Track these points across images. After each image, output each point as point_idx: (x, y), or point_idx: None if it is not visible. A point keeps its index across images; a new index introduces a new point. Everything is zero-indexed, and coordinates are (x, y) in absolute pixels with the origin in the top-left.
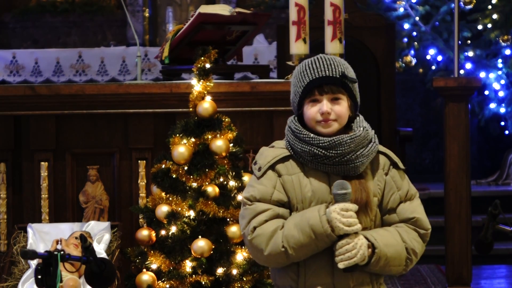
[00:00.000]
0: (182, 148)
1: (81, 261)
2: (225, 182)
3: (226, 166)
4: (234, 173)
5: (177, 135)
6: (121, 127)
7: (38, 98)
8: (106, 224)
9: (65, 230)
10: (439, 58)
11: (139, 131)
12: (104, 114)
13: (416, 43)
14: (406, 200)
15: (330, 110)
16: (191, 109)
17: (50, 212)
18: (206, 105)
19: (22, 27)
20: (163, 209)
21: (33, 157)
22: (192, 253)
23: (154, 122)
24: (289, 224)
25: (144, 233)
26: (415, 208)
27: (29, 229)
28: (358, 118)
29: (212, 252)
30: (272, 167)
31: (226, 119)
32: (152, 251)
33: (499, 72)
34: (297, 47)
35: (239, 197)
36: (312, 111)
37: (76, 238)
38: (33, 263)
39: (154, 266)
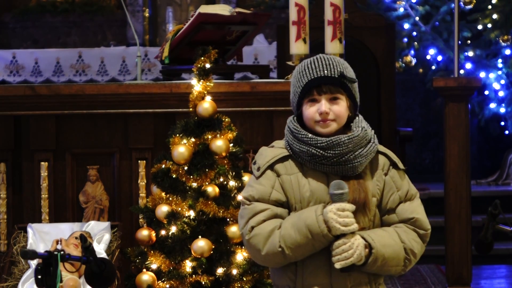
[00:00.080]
0: (182, 148)
1: (81, 261)
2: (225, 182)
3: (226, 166)
4: (234, 173)
5: (177, 135)
6: (121, 127)
7: (38, 98)
8: (106, 224)
9: (65, 230)
10: (439, 58)
11: (139, 131)
12: (104, 114)
13: (416, 43)
14: (406, 200)
15: (329, 110)
16: (191, 109)
17: (50, 212)
18: (206, 105)
19: (22, 27)
20: (163, 209)
21: (33, 157)
22: (192, 253)
23: (154, 122)
24: (286, 224)
25: (144, 233)
26: (415, 209)
27: (29, 229)
28: (357, 118)
29: (212, 252)
30: (271, 167)
31: (226, 119)
32: (152, 251)
33: (499, 72)
34: (297, 47)
35: (239, 197)
36: (310, 111)
37: (76, 238)
38: (33, 263)
39: (154, 266)
